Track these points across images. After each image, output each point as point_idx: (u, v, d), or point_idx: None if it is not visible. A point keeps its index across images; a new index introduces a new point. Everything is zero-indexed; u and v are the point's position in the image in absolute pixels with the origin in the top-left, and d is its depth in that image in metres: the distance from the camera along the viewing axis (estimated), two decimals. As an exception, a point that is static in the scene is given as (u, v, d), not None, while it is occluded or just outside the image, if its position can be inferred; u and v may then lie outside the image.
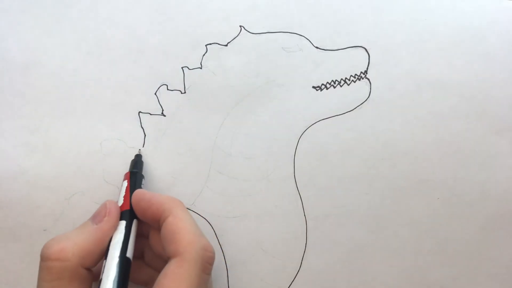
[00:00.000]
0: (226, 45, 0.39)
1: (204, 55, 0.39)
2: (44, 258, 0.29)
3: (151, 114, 0.39)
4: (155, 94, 0.39)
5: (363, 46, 0.38)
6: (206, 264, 0.30)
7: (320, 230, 0.39)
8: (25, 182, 0.38)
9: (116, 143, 0.39)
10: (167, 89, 0.39)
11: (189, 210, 0.39)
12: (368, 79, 0.38)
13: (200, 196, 0.39)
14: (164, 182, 0.39)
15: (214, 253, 0.32)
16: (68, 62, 0.39)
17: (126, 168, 0.38)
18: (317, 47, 0.39)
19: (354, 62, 0.39)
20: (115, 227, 0.32)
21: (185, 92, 0.39)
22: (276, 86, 0.39)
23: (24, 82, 0.39)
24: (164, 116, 0.39)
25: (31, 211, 0.38)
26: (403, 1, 0.39)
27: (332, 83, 0.39)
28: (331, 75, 0.39)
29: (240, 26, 0.39)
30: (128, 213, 0.34)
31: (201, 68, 0.39)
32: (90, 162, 0.39)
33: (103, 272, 0.30)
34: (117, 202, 0.34)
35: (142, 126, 0.39)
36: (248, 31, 0.39)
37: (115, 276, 0.29)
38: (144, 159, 0.39)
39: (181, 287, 0.28)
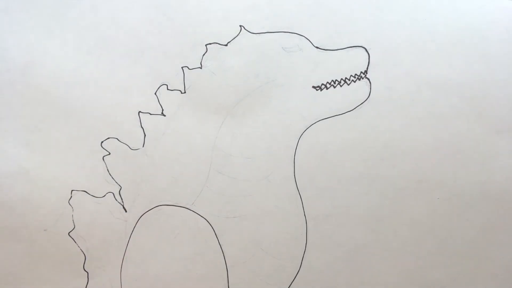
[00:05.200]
0: (226, 45, 0.39)
1: (204, 55, 0.39)
2: None
3: (151, 114, 0.39)
4: (155, 94, 0.39)
5: (363, 46, 0.38)
6: None
7: (320, 230, 0.39)
8: (25, 182, 0.38)
9: (116, 143, 0.39)
10: (167, 89, 0.39)
11: (189, 210, 0.39)
12: (368, 79, 0.38)
13: (200, 196, 0.39)
14: (164, 182, 0.39)
15: None
16: (68, 62, 0.39)
17: (126, 168, 0.38)
18: (317, 47, 0.39)
19: (354, 62, 0.39)
20: None
21: (185, 92, 0.39)
22: (276, 86, 0.39)
23: (24, 82, 0.39)
24: (164, 116, 0.39)
25: (32, 211, 0.38)
26: (403, 1, 0.39)
27: (332, 83, 0.39)
28: (331, 75, 0.39)
29: (240, 26, 0.39)
30: None
31: (201, 68, 0.39)
32: (90, 162, 0.39)
33: None
34: None
35: (142, 126, 0.39)
36: (248, 31, 0.39)
37: None
38: (144, 159, 0.39)
39: None
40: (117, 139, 0.39)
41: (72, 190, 0.39)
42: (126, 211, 0.39)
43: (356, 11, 0.39)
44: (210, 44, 0.39)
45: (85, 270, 0.39)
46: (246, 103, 0.39)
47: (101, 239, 0.39)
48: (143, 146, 0.39)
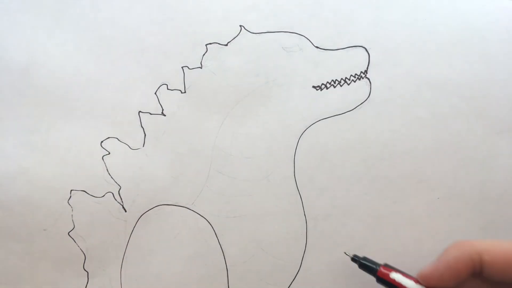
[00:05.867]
0: (226, 45, 0.39)
1: (204, 54, 0.39)
2: None
3: (151, 114, 0.39)
4: (155, 94, 0.39)
5: (363, 46, 0.38)
6: None
7: (320, 230, 0.39)
8: (25, 182, 0.38)
9: (116, 143, 0.39)
10: (167, 89, 0.39)
11: (189, 210, 0.39)
12: (368, 79, 0.38)
13: (200, 196, 0.39)
14: (164, 182, 0.39)
15: None
16: (68, 62, 0.39)
17: (126, 168, 0.38)
18: (317, 47, 0.39)
19: (354, 62, 0.39)
20: None
21: (185, 92, 0.39)
22: (276, 86, 0.39)
23: (24, 82, 0.39)
24: (164, 116, 0.39)
25: (31, 211, 0.38)
26: (403, 1, 0.39)
27: (332, 82, 0.39)
28: (331, 75, 0.39)
29: (240, 26, 0.39)
30: None
31: (201, 67, 0.39)
32: (90, 162, 0.39)
33: None
34: None
35: (142, 126, 0.39)
36: (248, 31, 0.39)
37: None
38: (144, 159, 0.39)
39: None
40: (117, 139, 0.39)
41: (71, 190, 0.39)
42: (125, 211, 0.39)
43: (356, 11, 0.39)
44: (210, 44, 0.39)
45: (85, 270, 0.39)
46: (246, 103, 0.39)
47: (101, 239, 0.39)
48: (143, 146, 0.39)
